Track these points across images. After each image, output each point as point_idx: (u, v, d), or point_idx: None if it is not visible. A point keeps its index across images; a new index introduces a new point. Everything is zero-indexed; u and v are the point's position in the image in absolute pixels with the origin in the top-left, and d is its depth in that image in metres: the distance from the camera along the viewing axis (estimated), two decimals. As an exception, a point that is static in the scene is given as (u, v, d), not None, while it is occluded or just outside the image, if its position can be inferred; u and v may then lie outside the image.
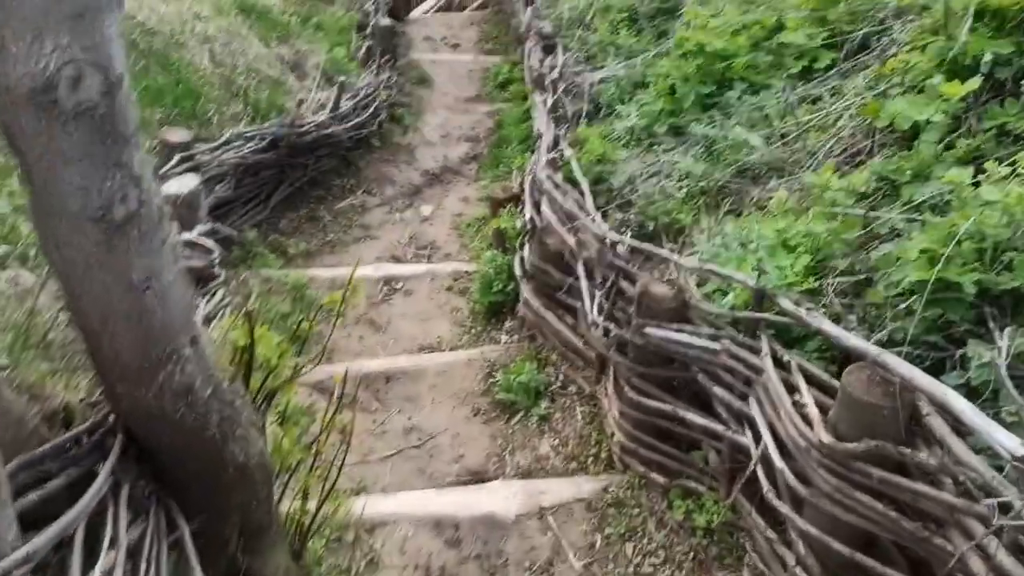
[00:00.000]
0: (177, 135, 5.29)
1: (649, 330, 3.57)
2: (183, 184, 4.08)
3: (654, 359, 3.69)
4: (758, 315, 3.19)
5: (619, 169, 5.10)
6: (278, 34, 8.26)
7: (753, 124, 4.78)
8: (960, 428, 2.35)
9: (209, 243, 3.83)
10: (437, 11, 14.44)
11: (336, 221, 7.09)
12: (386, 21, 8.97)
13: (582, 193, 4.67)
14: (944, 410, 2.35)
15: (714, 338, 3.38)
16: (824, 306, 3.15)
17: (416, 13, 14.34)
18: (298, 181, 7.00)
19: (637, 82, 6.46)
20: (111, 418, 2.26)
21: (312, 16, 9.60)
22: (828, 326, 2.86)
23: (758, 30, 5.15)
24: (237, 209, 6.27)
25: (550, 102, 6.00)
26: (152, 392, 2.14)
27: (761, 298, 3.18)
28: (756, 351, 3.20)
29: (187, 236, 3.82)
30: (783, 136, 4.58)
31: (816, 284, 3.26)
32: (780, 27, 5.18)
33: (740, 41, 5.06)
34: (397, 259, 6.70)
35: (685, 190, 4.63)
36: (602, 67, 7.37)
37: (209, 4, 7.63)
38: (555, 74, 7.08)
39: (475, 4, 13.47)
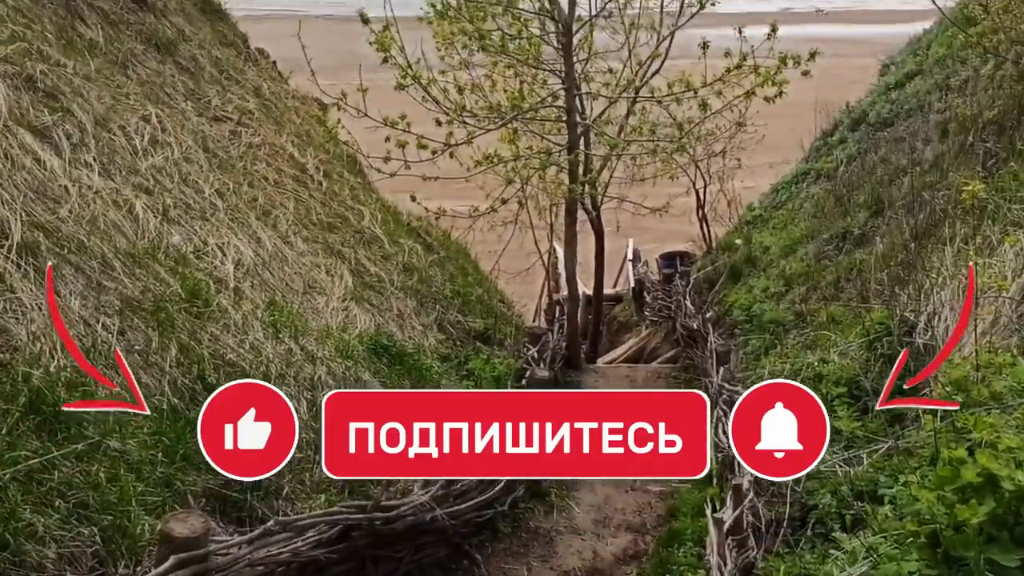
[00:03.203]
0: (187, 525, 3.73)
1: None
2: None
3: None
4: None
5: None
6: (411, 380, 6.99)
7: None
8: None
9: None
10: (623, 361, 13.18)
11: (426, 640, 5.15)
12: (544, 373, 7.52)
13: None
14: None
15: None
16: None
17: (603, 360, 13.15)
18: (384, 579, 5.21)
19: (864, 490, 4.48)
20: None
21: (468, 360, 8.43)
22: None
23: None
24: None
25: (730, 518, 3.98)
26: None
27: None
28: None
29: None
30: None
31: None
32: None
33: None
34: None
35: None
36: (812, 458, 5.43)
37: (333, 344, 6.54)
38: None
39: (664, 356, 12.04)
